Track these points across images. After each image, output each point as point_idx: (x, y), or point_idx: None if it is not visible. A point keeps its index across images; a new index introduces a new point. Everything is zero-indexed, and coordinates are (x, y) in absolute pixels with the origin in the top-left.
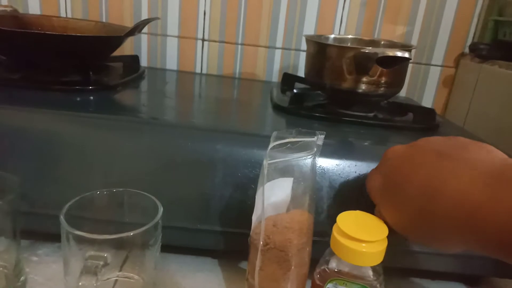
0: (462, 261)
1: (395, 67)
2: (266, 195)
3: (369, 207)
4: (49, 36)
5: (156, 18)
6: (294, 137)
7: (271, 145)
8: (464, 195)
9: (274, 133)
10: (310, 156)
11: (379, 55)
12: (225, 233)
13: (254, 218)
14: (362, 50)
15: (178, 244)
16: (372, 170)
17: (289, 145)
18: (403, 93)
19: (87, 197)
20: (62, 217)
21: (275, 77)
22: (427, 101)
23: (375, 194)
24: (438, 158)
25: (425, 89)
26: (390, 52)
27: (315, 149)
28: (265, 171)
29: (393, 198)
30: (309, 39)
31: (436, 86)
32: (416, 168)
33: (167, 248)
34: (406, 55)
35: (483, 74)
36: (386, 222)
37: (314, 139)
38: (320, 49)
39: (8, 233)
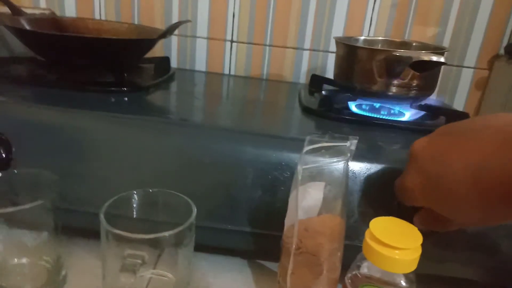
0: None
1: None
2: (298, 199)
3: (400, 211)
4: (85, 39)
5: (187, 21)
6: (327, 142)
7: (305, 150)
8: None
9: (308, 137)
10: (342, 161)
11: (414, 60)
12: (255, 234)
13: (287, 221)
14: (395, 53)
15: (209, 244)
16: (403, 173)
17: (322, 150)
18: (433, 95)
19: (124, 197)
20: (102, 216)
21: (303, 79)
22: (458, 104)
23: (418, 194)
24: (464, 138)
25: (456, 91)
26: (425, 57)
27: (348, 154)
28: (299, 177)
29: (441, 187)
30: (339, 41)
31: (468, 89)
32: (450, 153)
33: (198, 247)
34: (442, 59)
35: None
36: (436, 218)
37: (347, 144)
38: (350, 51)
39: (50, 229)
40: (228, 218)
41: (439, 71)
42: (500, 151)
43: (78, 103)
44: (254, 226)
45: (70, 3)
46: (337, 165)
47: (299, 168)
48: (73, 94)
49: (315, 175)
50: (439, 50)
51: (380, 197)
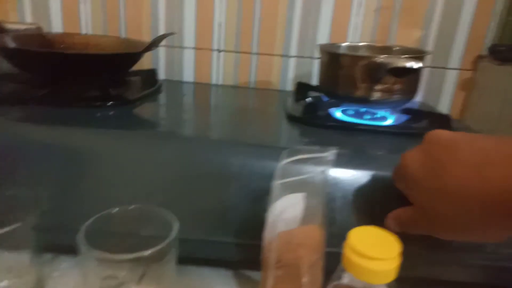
0: (488, 272)
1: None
2: (277, 211)
3: (382, 217)
4: (69, 56)
5: (172, 33)
6: (305, 153)
7: (281, 164)
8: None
9: (285, 151)
10: (320, 173)
11: (391, 66)
12: (241, 244)
13: (266, 235)
14: (373, 60)
15: (195, 256)
16: (409, 152)
17: (301, 161)
18: (418, 98)
19: (104, 215)
20: (79, 237)
21: (290, 86)
22: (443, 106)
23: (413, 170)
24: (488, 141)
25: (441, 93)
26: (401, 63)
27: (326, 166)
28: (273, 191)
29: (439, 169)
30: (322, 49)
31: (453, 90)
32: (465, 145)
33: (183, 259)
34: (419, 65)
35: (503, 76)
36: (420, 213)
37: (326, 154)
38: (332, 58)
39: (31, 249)
40: (215, 229)
41: (420, 75)
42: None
43: (63, 120)
44: (240, 237)
45: (56, 18)
46: (316, 175)
47: (275, 182)
48: (59, 111)
49: (296, 187)
50: (419, 54)
51: (363, 203)
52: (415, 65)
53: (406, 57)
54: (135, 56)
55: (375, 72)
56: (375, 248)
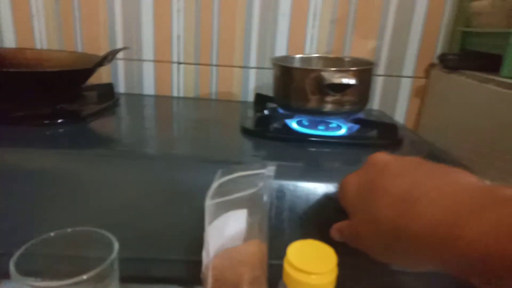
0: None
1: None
2: (218, 229)
3: (328, 227)
4: (13, 74)
5: (126, 48)
6: (242, 171)
7: (214, 184)
8: (441, 210)
9: (219, 171)
10: (254, 191)
11: (326, 82)
12: (192, 262)
13: (204, 254)
14: (316, 76)
15: (147, 275)
16: (350, 175)
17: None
18: (375, 106)
19: (42, 240)
20: (12, 265)
21: (251, 97)
22: (399, 113)
23: (350, 196)
24: (422, 173)
25: (397, 101)
26: (336, 80)
27: (262, 183)
28: (207, 211)
29: (369, 203)
30: (274, 62)
31: (408, 98)
32: (398, 178)
33: (131, 279)
34: (352, 81)
35: (452, 84)
36: (353, 233)
37: (264, 171)
38: (283, 71)
39: None
40: (164, 247)
41: (369, 84)
42: (441, 197)
43: (10, 139)
44: (191, 254)
45: (8, 33)
46: (256, 191)
47: (207, 202)
48: (7, 129)
49: (234, 204)
50: (368, 66)
51: (313, 214)
52: (349, 81)
53: (341, 74)
54: (86, 72)
55: (321, 85)
56: (313, 262)
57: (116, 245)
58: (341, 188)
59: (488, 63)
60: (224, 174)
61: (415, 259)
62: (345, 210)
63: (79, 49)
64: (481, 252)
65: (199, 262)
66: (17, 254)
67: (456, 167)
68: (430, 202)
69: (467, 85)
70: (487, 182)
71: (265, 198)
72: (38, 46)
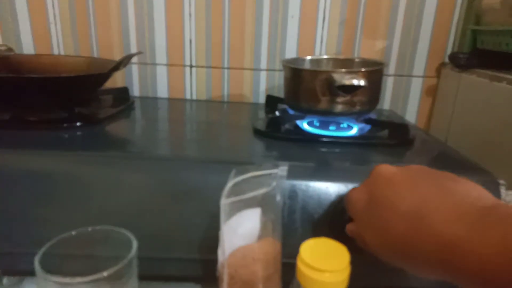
0: None
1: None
2: (233, 227)
3: (340, 229)
4: (31, 79)
5: (140, 53)
6: (255, 171)
7: (229, 184)
8: (449, 227)
9: (233, 170)
10: (267, 191)
11: (336, 84)
12: (206, 260)
13: (220, 252)
14: (326, 77)
15: (162, 274)
16: (355, 189)
17: (252, 178)
18: (386, 106)
19: (63, 238)
20: (36, 262)
21: (262, 98)
22: (411, 113)
23: (358, 210)
24: (428, 187)
25: (408, 100)
26: (347, 81)
27: (274, 183)
28: (222, 210)
29: (377, 218)
30: (284, 64)
31: (419, 97)
32: (406, 192)
33: (149, 276)
34: (362, 83)
35: (463, 83)
36: (362, 240)
37: (277, 171)
38: (294, 73)
39: None
40: (179, 246)
41: (380, 84)
42: (448, 214)
43: (28, 143)
44: (205, 253)
45: (27, 40)
46: (269, 191)
47: (223, 201)
48: (26, 133)
49: (248, 203)
50: (378, 66)
51: (322, 214)
52: (359, 82)
53: (351, 75)
54: (101, 77)
55: (331, 87)
56: (325, 260)
57: (135, 243)
58: (348, 203)
59: (500, 62)
60: (238, 173)
61: (422, 270)
62: (353, 218)
63: (95, 54)
64: (486, 268)
65: (212, 261)
66: (41, 252)
67: (461, 178)
68: (438, 218)
69: (478, 84)
70: (490, 195)
71: (278, 197)
72: (55, 52)
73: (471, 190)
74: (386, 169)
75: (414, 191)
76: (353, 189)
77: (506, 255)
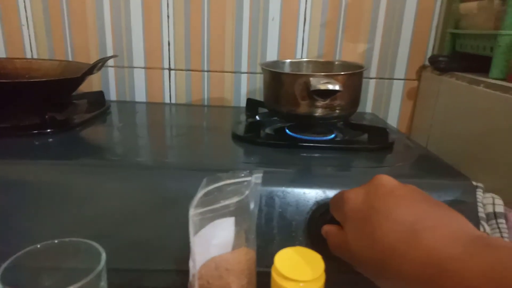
0: None
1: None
2: (206, 238)
3: (317, 234)
4: (2, 84)
5: (114, 56)
6: (228, 179)
7: (199, 193)
8: (440, 247)
9: (205, 179)
10: (240, 199)
11: (312, 88)
12: (182, 271)
13: (191, 264)
14: (303, 81)
15: (139, 286)
16: (351, 190)
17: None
18: (368, 109)
19: (29, 251)
20: None
21: (243, 102)
22: (393, 116)
23: (350, 208)
24: (427, 207)
25: (390, 103)
26: (322, 86)
27: (248, 191)
28: (191, 221)
29: (369, 223)
30: (263, 67)
31: (400, 100)
32: (404, 206)
33: None
34: (337, 87)
35: (443, 86)
36: (344, 242)
37: (251, 178)
38: (272, 77)
39: None
40: (154, 258)
41: (359, 88)
42: (439, 237)
43: None
44: (179, 264)
45: None
46: (242, 199)
47: (191, 212)
48: None
49: (220, 213)
50: (357, 70)
51: (299, 221)
52: (334, 87)
53: (327, 79)
54: (74, 81)
55: (309, 91)
56: (300, 269)
57: (103, 256)
58: (339, 201)
59: (478, 65)
60: (210, 182)
61: (402, 285)
62: (339, 220)
63: (70, 57)
64: None
65: (187, 272)
66: (3, 267)
67: (454, 210)
68: (433, 236)
69: (457, 86)
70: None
71: (252, 205)
72: (28, 55)
73: (465, 222)
74: (388, 180)
75: (412, 207)
76: (349, 190)
77: (491, 284)
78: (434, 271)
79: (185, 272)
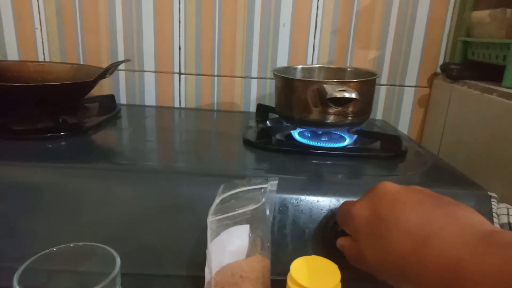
0: None
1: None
2: (221, 245)
3: (332, 244)
4: (14, 87)
5: (127, 60)
6: (244, 186)
7: (217, 200)
8: (451, 249)
9: (222, 186)
10: (256, 207)
11: (328, 96)
12: (193, 277)
13: (206, 271)
14: (318, 88)
15: None
16: (356, 203)
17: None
18: (379, 116)
19: (45, 254)
20: (15, 280)
21: (253, 107)
22: (403, 123)
23: (360, 226)
24: (432, 208)
25: (400, 111)
26: (338, 94)
27: (264, 199)
28: (209, 228)
29: (379, 235)
30: (275, 73)
31: (411, 108)
32: (410, 211)
33: None
34: (353, 95)
35: (454, 94)
36: (360, 257)
37: (266, 186)
38: (285, 83)
39: None
40: (168, 263)
41: (372, 94)
42: (449, 238)
43: (14, 153)
44: (194, 270)
45: (11, 46)
46: (259, 207)
47: (209, 219)
48: (9, 144)
49: (236, 220)
50: (370, 77)
51: (316, 229)
52: (350, 95)
53: (343, 86)
54: (87, 85)
55: (322, 98)
56: (316, 278)
57: (118, 261)
58: (346, 217)
59: (491, 73)
60: (226, 189)
61: None
62: (351, 234)
63: (81, 61)
64: None
65: (200, 277)
66: (20, 269)
67: (462, 204)
68: (442, 239)
69: (469, 95)
70: (489, 222)
71: (267, 213)
72: (41, 59)
73: (473, 216)
74: (391, 186)
75: (418, 211)
76: (353, 204)
77: (504, 283)
78: (449, 276)
79: (196, 277)
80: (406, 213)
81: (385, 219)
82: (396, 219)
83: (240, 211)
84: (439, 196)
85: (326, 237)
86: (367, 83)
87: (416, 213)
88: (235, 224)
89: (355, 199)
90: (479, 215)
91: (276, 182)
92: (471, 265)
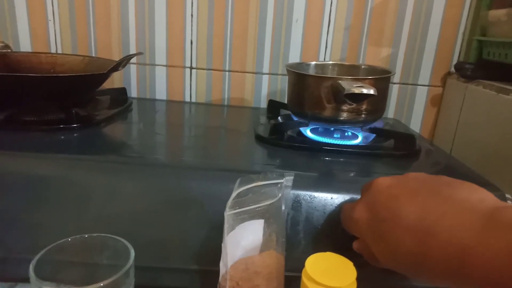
0: None
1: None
2: (235, 239)
3: (345, 241)
4: (29, 78)
5: (140, 53)
6: (260, 181)
7: (234, 194)
8: (455, 237)
9: (238, 180)
10: (273, 202)
11: (345, 92)
12: (204, 271)
13: (221, 265)
14: (332, 84)
15: (158, 284)
16: (356, 202)
17: (256, 188)
18: (391, 114)
19: (59, 245)
20: (31, 269)
21: (264, 103)
22: (415, 122)
23: (361, 229)
24: (428, 196)
25: (413, 109)
26: (356, 90)
27: (280, 194)
28: (226, 221)
29: (382, 234)
30: (288, 69)
31: (424, 106)
32: (406, 204)
33: (147, 287)
34: (371, 91)
35: (468, 94)
36: (372, 256)
37: (282, 181)
38: (298, 78)
39: None
40: (179, 257)
41: (387, 92)
42: (452, 223)
43: (26, 145)
44: (205, 264)
45: (24, 38)
46: (275, 202)
47: (227, 212)
48: (21, 135)
49: (252, 214)
50: (384, 74)
51: (326, 226)
52: (368, 91)
53: (360, 83)
54: (100, 77)
55: (338, 94)
56: (331, 275)
57: (132, 252)
58: (350, 223)
59: (506, 73)
60: (243, 183)
61: (433, 280)
62: (358, 237)
63: (93, 53)
64: (494, 277)
65: (211, 272)
66: (36, 258)
67: (457, 180)
68: (443, 228)
69: (484, 95)
70: (490, 195)
71: (283, 208)
72: (53, 51)
73: (470, 194)
74: (384, 182)
75: (414, 201)
76: (353, 208)
77: (508, 267)
78: (457, 264)
79: (205, 271)
80: (403, 208)
81: (384, 219)
82: (395, 217)
83: (257, 205)
84: (433, 178)
85: (339, 235)
86: (382, 80)
87: (413, 206)
88: (251, 218)
89: None
90: (476, 191)
91: (292, 177)
92: (476, 250)
